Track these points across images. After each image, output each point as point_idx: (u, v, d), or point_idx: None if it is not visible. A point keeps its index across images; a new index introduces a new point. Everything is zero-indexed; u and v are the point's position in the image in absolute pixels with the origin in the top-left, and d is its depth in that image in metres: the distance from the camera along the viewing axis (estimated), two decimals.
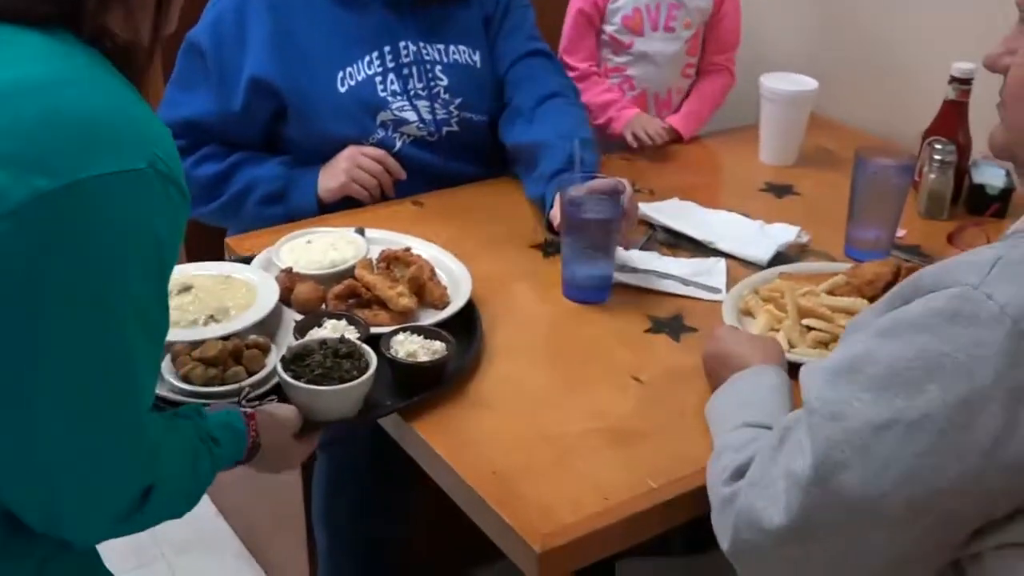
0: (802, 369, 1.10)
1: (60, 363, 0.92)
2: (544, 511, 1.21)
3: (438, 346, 1.43)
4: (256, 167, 1.97)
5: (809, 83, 2.25)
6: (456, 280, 1.63)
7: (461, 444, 1.32)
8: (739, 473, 1.10)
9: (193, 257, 1.66)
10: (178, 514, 1.12)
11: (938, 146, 2.01)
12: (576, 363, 1.51)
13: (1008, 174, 2.04)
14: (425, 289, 1.57)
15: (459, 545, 1.64)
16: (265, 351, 1.42)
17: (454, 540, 1.69)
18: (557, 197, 1.70)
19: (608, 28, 2.35)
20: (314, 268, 1.63)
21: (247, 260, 1.67)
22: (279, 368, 1.34)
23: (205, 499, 2.46)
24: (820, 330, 1.51)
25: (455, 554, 2.01)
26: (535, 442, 1.33)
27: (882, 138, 2.37)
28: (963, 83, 2.00)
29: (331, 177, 1.94)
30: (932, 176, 2.00)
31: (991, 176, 2.04)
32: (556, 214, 1.72)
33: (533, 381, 1.46)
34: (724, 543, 1.09)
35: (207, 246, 1.91)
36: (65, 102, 0.92)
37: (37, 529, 1.01)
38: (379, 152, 1.95)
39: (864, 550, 0.99)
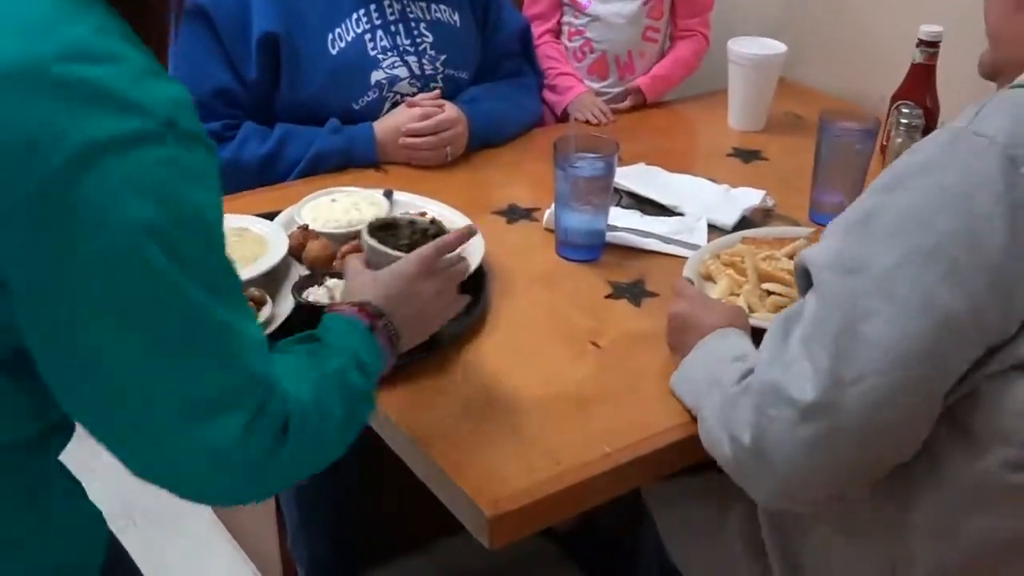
0: (801, 252, 1.11)
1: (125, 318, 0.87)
2: (496, 476, 1.20)
3: None
4: (307, 141, 1.95)
5: (777, 47, 2.23)
6: (470, 249, 1.61)
7: (415, 409, 1.31)
8: (746, 375, 1.12)
9: None
10: (345, 441, 1.06)
11: (905, 110, 1.99)
12: (534, 329, 1.50)
13: None
14: None
15: (428, 512, 1.63)
16: (260, 304, 1.41)
17: (422, 507, 1.69)
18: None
19: None
20: (331, 227, 1.63)
21: (272, 216, 1.67)
22: (365, 234, 1.33)
23: None
24: (780, 294, 1.51)
25: (424, 521, 2.01)
26: (490, 408, 1.32)
27: (851, 102, 2.37)
28: (930, 46, 1.99)
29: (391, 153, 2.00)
30: (899, 140, 1.99)
31: None
32: None
33: (489, 347, 1.45)
34: (745, 436, 1.06)
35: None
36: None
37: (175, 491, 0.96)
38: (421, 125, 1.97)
39: (890, 399, 1.00)
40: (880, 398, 1.00)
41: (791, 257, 1.58)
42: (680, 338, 1.37)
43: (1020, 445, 1.02)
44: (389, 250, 1.32)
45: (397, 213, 1.68)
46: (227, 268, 0.95)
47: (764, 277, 1.53)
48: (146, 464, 0.94)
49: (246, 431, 0.92)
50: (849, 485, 1.07)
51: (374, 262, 1.30)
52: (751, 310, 1.49)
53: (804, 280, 1.09)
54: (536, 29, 2.39)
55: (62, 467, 1.07)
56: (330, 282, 1.45)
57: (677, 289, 1.45)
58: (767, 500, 1.14)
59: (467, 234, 1.33)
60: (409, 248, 1.31)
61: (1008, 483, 1.04)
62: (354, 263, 1.30)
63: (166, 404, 0.90)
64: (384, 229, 1.37)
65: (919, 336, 0.99)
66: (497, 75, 2.19)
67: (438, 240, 1.28)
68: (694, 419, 1.28)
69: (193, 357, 0.90)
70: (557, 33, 2.43)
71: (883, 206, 1.04)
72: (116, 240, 0.84)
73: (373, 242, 1.33)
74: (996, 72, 1.22)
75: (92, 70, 0.83)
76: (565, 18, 2.40)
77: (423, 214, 1.66)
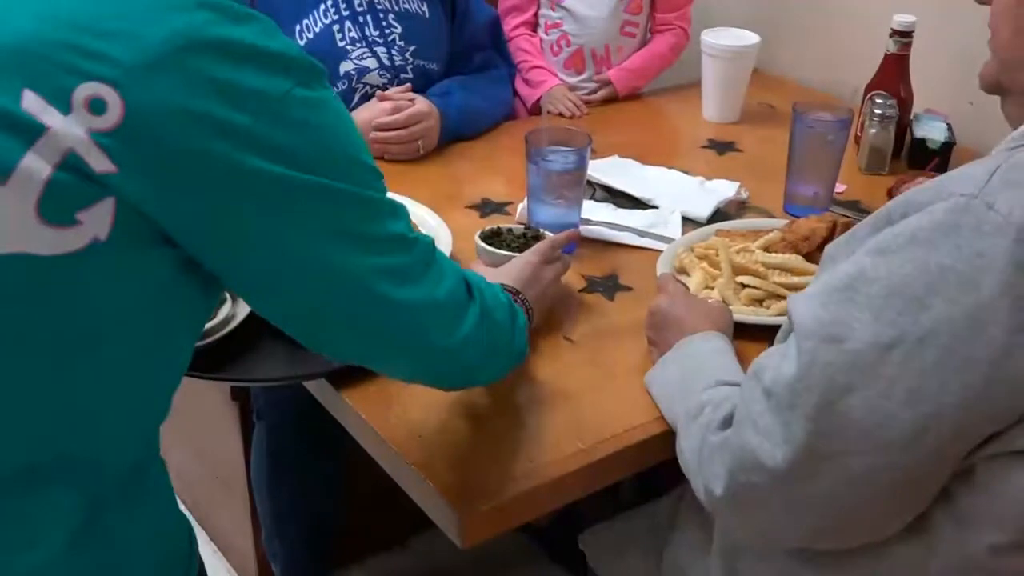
0: (790, 298, 1.06)
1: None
2: (469, 474, 1.19)
3: None
4: None
5: (751, 38, 2.23)
6: (441, 243, 1.61)
7: (387, 408, 1.30)
8: (727, 422, 1.07)
9: None
10: (515, 349, 1.19)
11: (879, 100, 1.99)
12: None
13: (949, 128, 2.03)
14: None
15: (403, 508, 1.62)
16: (220, 302, 1.41)
17: (397, 503, 1.68)
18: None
19: None
20: None
21: None
22: (478, 241, 1.53)
23: None
24: (754, 287, 1.50)
25: (399, 517, 2.00)
26: (462, 405, 1.31)
27: (825, 93, 2.36)
28: (903, 36, 1.99)
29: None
30: (873, 131, 1.99)
31: (932, 130, 2.03)
32: None
33: None
34: (718, 489, 1.04)
35: None
36: None
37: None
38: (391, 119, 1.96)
39: (864, 479, 0.96)
40: (855, 476, 0.96)
41: (766, 249, 1.58)
42: (660, 334, 1.36)
43: (1011, 531, 0.96)
44: (505, 252, 1.50)
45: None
46: (373, 168, 1.01)
47: (738, 270, 1.52)
48: (367, 351, 1.06)
49: (436, 285, 1.03)
50: (828, 542, 1.06)
51: (492, 264, 1.48)
52: (725, 303, 1.48)
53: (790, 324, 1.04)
54: (512, 21, 2.37)
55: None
56: None
57: (661, 283, 1.43)
58: (744, 542, 1.14)
59: (575, 234, 1.58)
60: (519, 250, 1.49)
61: (994, 568, 0.98)
62: (480, 267, 1.46)
63: (373, 287, 0.98)
64: (493, 237, 1.55)
65: (902, 427, 0.93)
66: (468, 67, 2.18)
67: (553, 237, 1.49)
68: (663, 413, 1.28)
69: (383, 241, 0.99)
70: (533, 26, 2.41)
71: (873, 272, 0.95)
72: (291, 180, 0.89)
73: (490, 248, 1.52)
74: (1002, 91, 1.08)
75: (240, 30, 0.87)
76: (542, 11, 2.38)
77: None
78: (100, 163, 0.82)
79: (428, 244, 1.05)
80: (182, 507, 2.32)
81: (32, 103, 0.82)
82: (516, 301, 1.27)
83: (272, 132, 0.87)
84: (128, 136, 0.82)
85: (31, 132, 0.82)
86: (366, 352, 1.06)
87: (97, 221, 0.84)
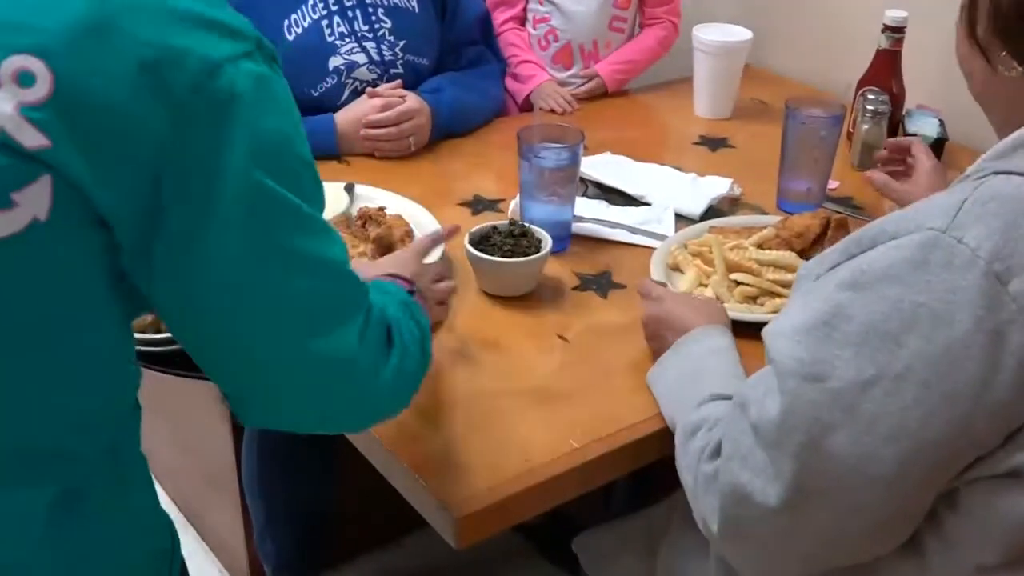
0: (765, 330, 1.05)
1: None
2: (463, 474, 1.19)
3: None
4: None
5: (743, 34, 2.22)
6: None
7: None
8: (718, 451, 1.07)
9: None
10: (425, 366, 1.09)
11: (871, 96, 1.99)
12: (499, 322, 1.48)
13: (941, 124, 2.03)
14: (393, 251, 1.54)
15: (395, 507, 1.61)
16: None
17: (389, 502, 1.67)
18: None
19: None
20: None
21: None
22: (468, 247, 1.50)
23: None
24: (748, 284, 1.49)
25: (391, 516, 1.99)
26: (456, 404, 1.30)
27: (817, 88, 2.36)
28: (895, 31, 1.98)
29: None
30: (865, 127, 1.99)
31: (924, 126, 2.03)
32: None
33: (453, 342, 1.43)
34: (714, 526, 1.05)
35: None
36: None
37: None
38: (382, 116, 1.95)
39: (855, 512, 0.97)
40: (844, 511, 0.97)
41: (760, 246, 1.57)
42: (660, 343, 1.34)
43: (998, 552, 0.97)
44: (498, 259, 1.50)
45: (355, 207, 1.69)
46: (316, 179, 0.96)
47: (732, 267, 1.52)
48: (274, 398, 0.96)
49: (361, 338, 0.95)
50: (825, 566, 1.06)
51: (480, 269, 1.52)
52: (720, 301, 1.47)
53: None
54: (501, 16, 2.36)
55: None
56: None
57: (643, 292, 1.41)
58: (742, 571, 1.14)
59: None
60: (510, 249, 1.52)
61: None
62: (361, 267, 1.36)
63: (293, 324, 0.91)
64: (483, 241, 1.54)
65: (886, 463, 0.93)
66: (459, 62, 2.17)
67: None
68: (662, 413, 1.27)
69: (316, 266, 0.92)
70: (522, 20, 2.40)
71: (849, 309, 0.95)
72: (233, 164, 0.85)
73: (482, 255, 1.50)
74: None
75: (194, 2, 0.85)
76: (530, 5, 2.37)
77: (381, 209, 1.64)
78: (32, 138, 0.79)
79: (364, 286, 0.99)
80: (173, 507, 2.34)
81: None
82: (414, 297, 1.19)
83: (214, 101, 0.83)
84: (60, 107, 0.79)
85: None
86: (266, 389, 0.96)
87: (35, 201, 0.80)
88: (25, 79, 0.79)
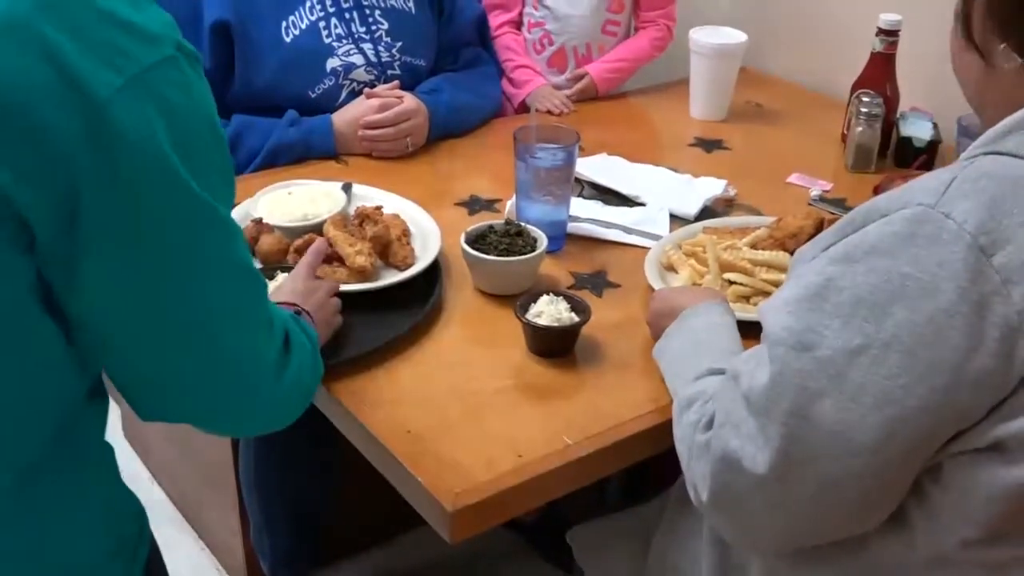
0: (760, 306, 1.08)
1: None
2: (457, 470, 1.20)
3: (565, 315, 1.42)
4: (264, 133, 1.93)
5: (739, 36, 2.24)
6: (425, 242, 1.62)
7: (375, 403, 1.30)
8: (712, 423, 1.09)
9: None
10: (317, 377, 1.13)
11: (866, 99, 2.00)
12: (494, 320, 1.50)
13: (935, 126, 2.04)
14: (390, 249, 1.56)
15: (391, 505, 1.63)
16: None
17: (385, 500, 1.68)
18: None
19: None
20: (286, 220, 1.61)
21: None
22: (465, 246, 1.51)
23: (139, 464, 2.45)
24: (742, 284, 1.51)
25: (387, 514, 2.00)
26: (450, 400, 1.32)
27: (812, 91, 2.37)
28: (890, 35, 2.00)
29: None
30: (859, 129, 2.00)
31: (918, 129, 2.04)
32: None
33: (449, 339, 1.45)
34: (704, 493, 1.07)
35: None
36: None
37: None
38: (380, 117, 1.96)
39: (841, 482, 0.98)
40: (830, 480, 0.98)
41: (753, 247, 1.59)
42: (662, 319, 1.36)
43: (981, 526, 0.98)
44: (493, 258, 1.52)
45: (352, 207, 1.69)
46: (229, 181, 0.97)
47: (725, 267, 1.53)
48: (176, 393, 0.98)
49: (268, 340, 0.99)
50: (806, 542, 1.07)
51: (478, 269, 1.53)
52: None
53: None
54: (497, 19, 2.38)
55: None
56: (281, 277, 1.44)
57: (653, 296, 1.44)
58: (731, 542, 1.15)
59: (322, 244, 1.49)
60: (506, 249, 1.53)
61: (969, 559, 1.01)
62: (293, 274, 1.38)
63: (208, 323, 0.93)
64: (479, 240, 1.55)
65: (871, 431, 0.95)
66: (456, 63, 2.18)
67: (313, 247, 1.45)
68: (655, 410, 1.29)
69: (229, 267, 0.94)
70: (518, 24, 2.41)
71: (840, 280, 0.97)
72: (152, 164, 0.84)
73: (477, 253, 1.51)
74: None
75: (116, 4, 0.84)
76: (526, 9, 2.39)
77: (379, 208, 1.65)
78: None
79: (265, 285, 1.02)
80: (170, 505, 2.34)
81: None
82: (303, 317, 1.22)
83: (132, 106, 0.82)
84: None
85: None
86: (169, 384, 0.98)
87: None
88: None
